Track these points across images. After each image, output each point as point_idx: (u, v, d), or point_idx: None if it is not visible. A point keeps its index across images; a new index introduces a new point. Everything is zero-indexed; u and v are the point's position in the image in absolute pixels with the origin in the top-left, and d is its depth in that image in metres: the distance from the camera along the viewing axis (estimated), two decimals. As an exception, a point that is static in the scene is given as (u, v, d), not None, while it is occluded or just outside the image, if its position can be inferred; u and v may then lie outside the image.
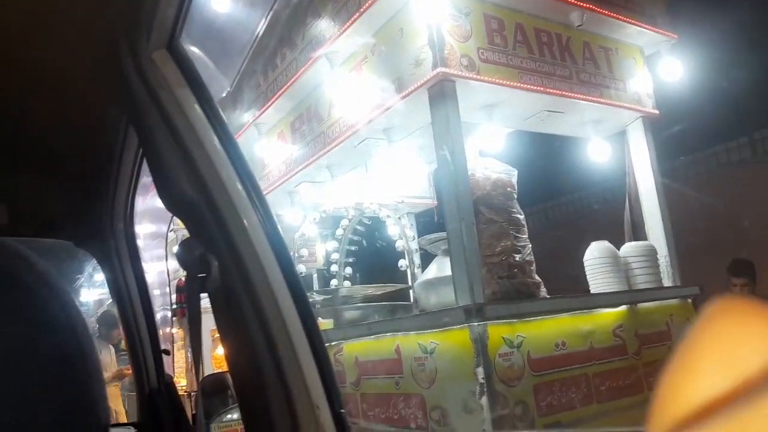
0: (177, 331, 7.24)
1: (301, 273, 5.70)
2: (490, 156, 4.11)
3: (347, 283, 5.61)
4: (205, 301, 0.88)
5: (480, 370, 2.97)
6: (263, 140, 5.75)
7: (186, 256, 0.84)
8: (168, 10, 0.83)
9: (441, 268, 3.85)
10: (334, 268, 5.68)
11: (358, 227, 5.62)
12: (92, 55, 0.99)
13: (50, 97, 1.15)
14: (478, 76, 3.67)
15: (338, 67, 4.49)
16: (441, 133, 3.51)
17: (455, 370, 3.14)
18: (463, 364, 3.06)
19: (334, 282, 5.62)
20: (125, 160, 1.36)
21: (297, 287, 0.83)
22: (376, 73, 4.15)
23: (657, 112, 4.74)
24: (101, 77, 1.03)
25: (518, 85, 3.86)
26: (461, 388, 3.08)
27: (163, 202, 0.90)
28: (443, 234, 3.67)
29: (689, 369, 0.19)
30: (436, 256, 4.07)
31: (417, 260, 5.28)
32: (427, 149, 4.32)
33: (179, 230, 5.82)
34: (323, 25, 4.49)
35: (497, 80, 3.76)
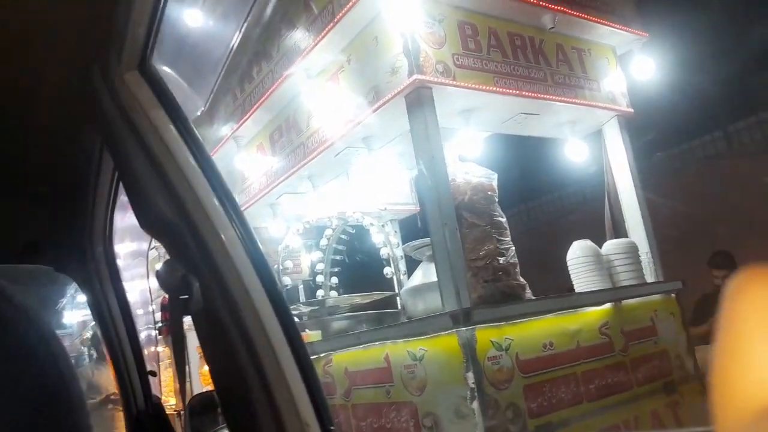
0: (163, 350, 7.16)
1: (287, 285, 5.66)
2: (470, 160, 4.12)
3: (334, 294, 5.59)
4: (189, 319, 0.87)
5: (470, 375, 2.97)
6: (242, 153, 5.72)
7: (167, 277, 0.83)
8: (138, 31, 0.83)
9: (426, 274, 3.85)
10: (319, 278, 5.65)
11: (343, 236, 5.60)
12: (65, 79, 0.98)
13: (23, 120, 1.14)
14: (454, 82, 3.69)
15: (315, 77, 4.49)
16: (420, 140, 3.52)
17: (445, 375, 3.13)
18: (453, 369, 3.06)
19: (320, 293, 5.59)
20: (102, 182, 1.35)
21: (280, 303, 0.82)
22: (353, 83, 4.15)
23: (631, 110, 4.80)
24: (75, 100, 1.02)
25: (494, 89, 3.89)
26: (452, 393, 3.07)
27: (140, 224, 0.90)
28: (427, 240, 3.67)
29: (744, 350, 0.18)
30: (422, 262, 4.07)
31: (402, 267, 5.27)
32: (408, 156, 4.32)
33: (161, 248, 5.77)
34: (298, 36, 4.49)
35: (473, 85, 3.78)
